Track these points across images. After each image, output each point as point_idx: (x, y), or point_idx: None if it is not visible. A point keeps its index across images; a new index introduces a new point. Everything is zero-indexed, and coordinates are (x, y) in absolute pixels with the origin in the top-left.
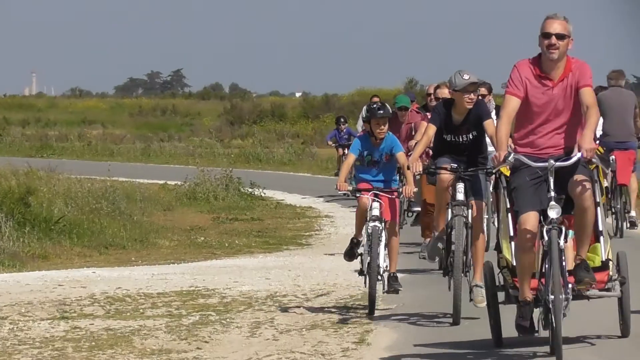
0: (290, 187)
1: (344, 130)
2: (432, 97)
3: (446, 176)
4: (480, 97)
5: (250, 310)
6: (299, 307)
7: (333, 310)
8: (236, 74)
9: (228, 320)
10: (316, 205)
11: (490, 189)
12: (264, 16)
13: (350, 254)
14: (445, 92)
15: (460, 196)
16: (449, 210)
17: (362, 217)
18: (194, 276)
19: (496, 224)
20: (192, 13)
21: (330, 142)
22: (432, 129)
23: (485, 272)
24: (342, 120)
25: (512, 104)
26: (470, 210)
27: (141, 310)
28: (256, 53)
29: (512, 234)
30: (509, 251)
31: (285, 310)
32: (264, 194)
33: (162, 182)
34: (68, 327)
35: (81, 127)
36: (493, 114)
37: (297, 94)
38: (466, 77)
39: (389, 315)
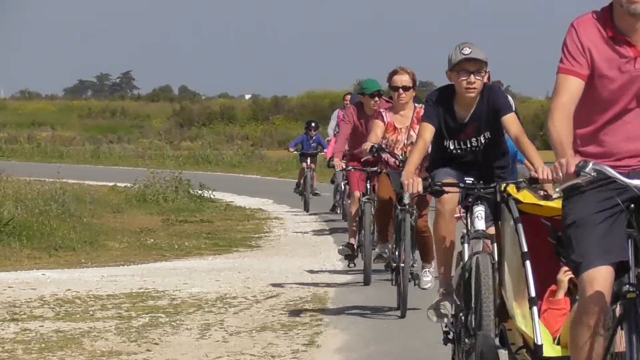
0: (240, 189)
1: (314, 137)
2: (389, 86)
3: (451, 196)
4: (494, 84)
5: (200, 312)
6: (248, 308)
7: (283, 312)
8: (185, 76)
9: (178, 322)
10: (266, 207)
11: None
12: (212, 18)
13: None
14: (404, 79)
15: (480, 224)
16: (465, 245)
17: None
18: (144, 278)
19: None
20: (141, 15)
21: (291, 149)
22: (429, 130)
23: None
24: (313, 125)
25: (572, 87)
26: (496, 244)
27: (91, 312)
28: (205, 55)
29: (532, 293)
30: (527, 321)
31: (235, 312)
32: (214, 195)
33: (111, 184)
34: (18, 329)
35: (30, 129)
36: None
37: (247, 96)
38: (467, 50)
39: (339, 317)
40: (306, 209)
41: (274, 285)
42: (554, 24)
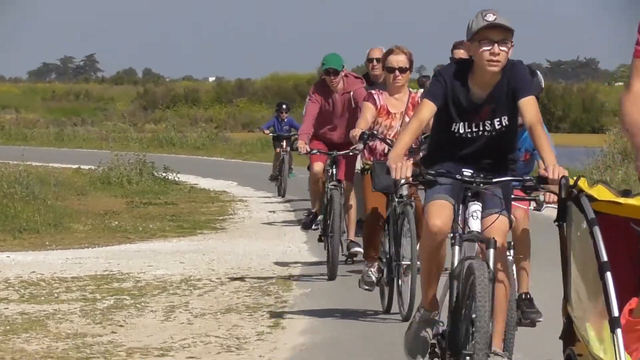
0: (204, 171)
1: (285, 120)
2: (375, 64)
3: (443, 206)
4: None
5: (165, 294)
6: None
7: (247, 294)
8: (149, 59)
9: (143, 304)
10: (230, 189)
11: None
12: (176, 1)
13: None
14: (400, 60)
15: (475, 225)
16: (455, 248)
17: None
18: (108, 260)
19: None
20: None
21: (266, 131)
22: (429, 110)
23: None
24: (284, 107)
25: None
26: (492, 250)
27: (56, 295)
28: (169, 38)
29: (615, 312)
30: (606, 346)
31: (199, 294)
32: (178, 178)
33: (75, 166)
34: None
35: None
36: None
37: (211, 79)
38: (490, 17)
39: (304, 299)
40: (281, 194)
41: (239, 267)
42: (554, 24)
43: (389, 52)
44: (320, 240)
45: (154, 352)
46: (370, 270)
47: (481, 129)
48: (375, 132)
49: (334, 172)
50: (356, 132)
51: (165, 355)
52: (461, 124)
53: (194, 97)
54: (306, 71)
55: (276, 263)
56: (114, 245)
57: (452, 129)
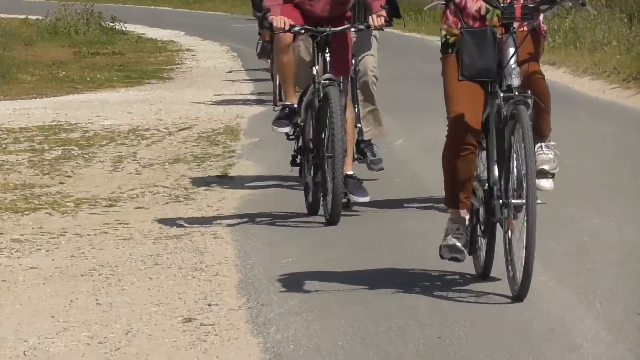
0: (151, 21)
1: None
2: None
3: None
4: None
5: (113, 144)
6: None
7: (195, 144)
8: None
9: (90, 154)
10: (177, 39)
11: None
12: None
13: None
14: None
15: None
16: None
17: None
18: (56, 111)
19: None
20: None
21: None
22: None
23: None
24: None
25: None
26: None
27: (3, 145)
28: None
29: None
30: None
31: (147, 144)
32: (125, 28)
33: (23, 16)
34: None
35: None
36: None
37: None
38: None
39: (251, 149)
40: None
41: (186, 117)
42: None
43: None
44: (295, 164)
45: (102, 203)
46: (457, 232)
47: None
48: None
49: (326, 62)
50: None
51: (114, 206)
52: None
53: None
54: None
55: (224, 112)
56: (62, 96)
57: None
